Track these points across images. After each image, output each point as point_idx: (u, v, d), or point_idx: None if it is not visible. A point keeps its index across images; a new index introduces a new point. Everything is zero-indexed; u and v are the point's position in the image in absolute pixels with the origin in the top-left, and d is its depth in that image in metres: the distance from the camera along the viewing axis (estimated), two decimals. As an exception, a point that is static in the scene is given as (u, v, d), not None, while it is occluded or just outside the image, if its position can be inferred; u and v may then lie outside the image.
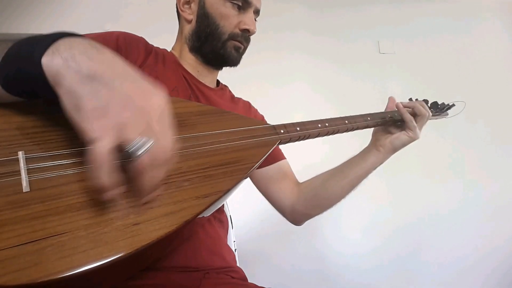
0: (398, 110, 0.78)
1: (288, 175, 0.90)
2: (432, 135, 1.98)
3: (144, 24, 1.45)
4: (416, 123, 0.77)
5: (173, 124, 0.38)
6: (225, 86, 0.93)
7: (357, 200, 1.89)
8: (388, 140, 0.79)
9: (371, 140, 0.83)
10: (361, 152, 0.83)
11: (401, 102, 0.80)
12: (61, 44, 0.35)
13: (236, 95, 0.95)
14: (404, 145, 0.78)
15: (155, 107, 0.36)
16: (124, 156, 0.34)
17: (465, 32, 2.23)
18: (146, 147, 0.33)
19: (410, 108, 0.78)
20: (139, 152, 0.33)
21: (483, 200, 2.03)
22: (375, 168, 0.81)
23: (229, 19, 0.76)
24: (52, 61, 0.34)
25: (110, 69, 0.35)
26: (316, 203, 0.85)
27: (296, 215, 0.88)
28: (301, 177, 0.91)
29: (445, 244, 1.97)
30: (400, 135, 0.77)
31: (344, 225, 1.93)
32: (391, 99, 0.85)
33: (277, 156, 0.90)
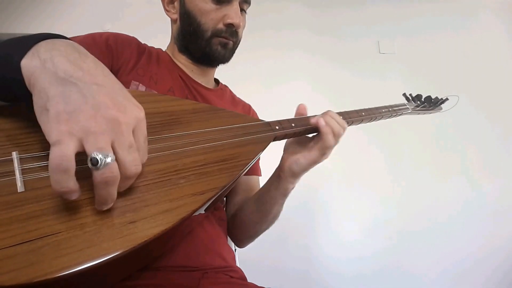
0: (316, 125, 0.62)
1: (249, 192, 0.84)
2: (433, 135, 1.98)
3: (144, 24, 1.46)
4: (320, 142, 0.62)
5: (160, 126, 0.38)
6: (226, 86, 0.92)
7: (356, 200, 1.89)
8: (287, 163, 0.65)
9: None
10: (272, 175, 0.71)
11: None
12: (42, 46, 0.34)
13: (236, 94, 0.94)
14: (304, 169, 0.64)
15: (129, 120, 0.34)
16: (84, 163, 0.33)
17: (465, 31, 2.23)
18: (106, 160, 0.32)
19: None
20: (98, 165, 0.32)
21: (485, 200, 2.01)
22: (283, 195, 0.68)
23: (209, 14, 0.73)
24: (30, 63, 0.33)
25: (88, 75, 0.33)
26: (236, 224, 0.80)
27: (229, 232, 0.82)
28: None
29: (446, 244, 1.95)
30: (298, 158, 0.63)
31: (343, 227, 1.92)
32: (300, 106, 0.71)
33: (251, 171, 0.86)
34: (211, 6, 0.73)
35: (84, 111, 0.32)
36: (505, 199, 2.02)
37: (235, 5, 0.74)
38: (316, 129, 0.64)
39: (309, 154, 0.63)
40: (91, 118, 0.32)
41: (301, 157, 0.63)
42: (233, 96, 0.92)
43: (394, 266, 1.90)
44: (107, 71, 0.36)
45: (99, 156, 0.32)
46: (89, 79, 0.33)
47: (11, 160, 0.37)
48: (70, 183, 0.32)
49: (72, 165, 0.31)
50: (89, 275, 0.35)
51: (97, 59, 0.36)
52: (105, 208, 0.37)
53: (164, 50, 0.84)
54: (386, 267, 1.90)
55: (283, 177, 0.66)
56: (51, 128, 0.31)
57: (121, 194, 0.39)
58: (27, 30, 1.73)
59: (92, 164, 0.32)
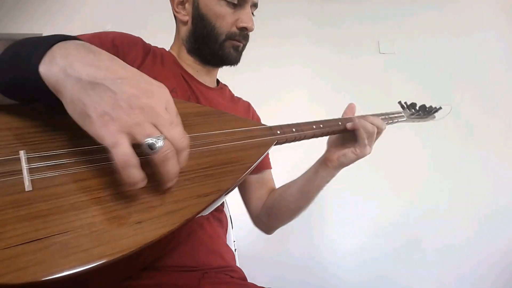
0: (354, 126, 0.71)
1: (267, 184, 0.90)
2: (433, 134, 1.99)
3: (144, 24, 1.46)
4: (366, 140, 0.71)
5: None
6: (225, 85, 0.92)
7: (356, 200, 1.90)
8: (336, 156, 0.73)
9: (325, 151, 0.77)
10: (314, 164, 0.78)
11: (357, 116, 0.74)
12: (57, 51, 0.35)
13: (236, 94, 0.94)
14: (351, 162, 0.73)
15: (159, 101, 0.37)
16: (142, 153, 0.35)
17: (465, 32, 2.23)
18: (159, 142, 0.35)
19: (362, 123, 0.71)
20: (154, 148, 0.35)
21: (484, 199, 2.03)
22: (327, 182, 0.76)
23: (225, 18, 0.74)
24: (50, 71, 0.34)
25: (109, 72, 0.35)
26: (273, 214, 0.85)
27: (259, 224, 0.90)
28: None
29: (445, 243, 1.97)
30: (347, 153, 0.72)
31: (344, 225, 1.93)
32: (350, 106, 0.78)
33: (263, 166, 0.90)
34: (226, 10, 0.74)
35: (119, 108, 0.34)
36: (503, 200, 2.04)
37: (248, 9, 0.76)
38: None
39: (355, 149, 0.71)
40: (129, 112, 0.34)
41: (349, 151, 0.72)
42: (231, 95, 0.93)
43: (392, 269, 1.91)
44: (122, 62, 0.38)
45: (152, 141, 0.35)
46: (111, 76, 0.35)
47: (19, 159, 0.37)
48: (139, 175, 0.35)
49: (135, 159, 0.35)
50: (95, 274, 0.36)
51: (109, 54, 0.38)
52: (171, 185, 0.40)
53: (167, 50, 0.84)
54: (386, 273, 1.91)
55: (331, 167, 0.74)
56: (101, 132, 0.34)
57: (127, 195, 0.39)
58: (28, 31, 1.73)
59: (151, 149, 0.35)
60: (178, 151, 0.38)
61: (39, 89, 0.35)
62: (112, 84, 0.34)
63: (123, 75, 0.36)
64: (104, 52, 0.37)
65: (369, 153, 0.72)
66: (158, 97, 0.37)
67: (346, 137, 0.74)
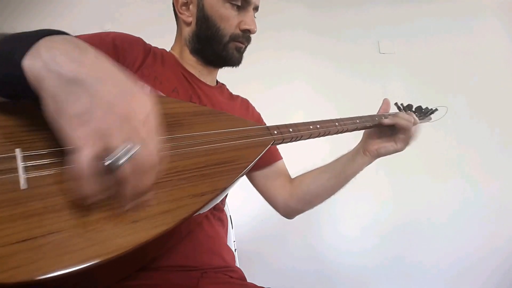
0: (396, 120, 0.77)
1: (282, 173, 0.93)
2: (434, 134, 1.98)
3: (144, 24, 1.46)
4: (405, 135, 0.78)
5: (162, 126, 0.37)
6: (223, 84, 0.94)
7: (356, 199, 1.89)
8: (375, 147, 0.80)
9: (361, 140, 0.84)
10: (350, 152, 0.84)
11: (396, 115, 0.80)
12: (42, 45, 0.34)
13: (235, 94, 0.95)
14: (389, 154, 0.80)
15: (139, 111, 0.34)
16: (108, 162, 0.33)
17: (465, 31, 2.23)
18: (129, 155, 0.32)
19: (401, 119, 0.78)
20: (121, 161, 0.32)
21: (484, 199, 2.02)
22: (362, 169, 0.82)
23: (229, 20, 0.76)
24: (33, 64, 0.33)
25: (92, 71, 0.33)
26: (307, 199, 0.89)
27: (289, 210, 0.92)
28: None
29: (445, 244, 1.96)
30: (387, 146, 0.79)
31: (343, 225, 1.93)
32: (385, 101, 0.86)
33: (274, 157, 0.93)
34: (230, 12, 0.76)
35: (95, 112, 0.32)
36: (503, 200, 2.03)
37: (251, 12, 0.79)
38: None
39: (395, 144, 0.78)
40: (103, 118, 0.32)
41: (390, 145, 0.79)
42: (230, 93, 0.94)
43: (392, 270, 1.91)
44: (109, 62, 0.36)
45: (125, 148, 0.32)
46: (93, 74, 0.33)
47: (14, 157, 0.37)
48: (91, 188, 0.33)
49: (91, 171, 0.32)
50: (90, 274, 0.36)
51: (98, 51, 0.36)
52: (128, 207, 0.37)
53: (168, 50, 0.85)
54: (383, 271, 1.90)
55: (369, 156, 0.80)
56: (70, 133, 0.32)
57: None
58: (26, 30, 1.73)
59: (116, 161, 0.32)
60: (143, 170, 0.34)
61: (20, 84, 0.34)
62: (92, 85, 0.33)
63: (106, 76, 0.34)
64: (91, 49, 0.36)
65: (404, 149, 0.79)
66: (138, 105, 0.35)
67: (382, 130, 0.81)
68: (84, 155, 0.31)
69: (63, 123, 0.32)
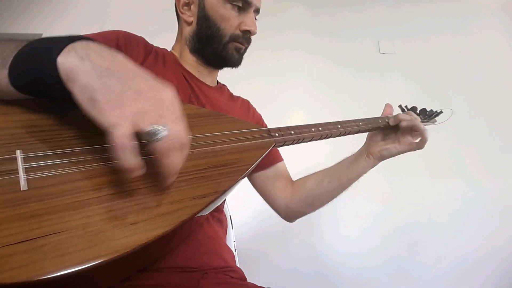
0: (401, 122, 0.77)
1: (283, 175, 0.93)
2: (434, 134, 1.98)
3: (144, 24, 1.45)
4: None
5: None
6: (224, 85, 0.94)
7: (356, 200, 1.89)
8: (378, 149, 0.80)
9: (365, 143, 0.84)
10: (353, 155, 0.84)
11: (399, 114, 0.80)
12: (78, 44, 0.37)
13: (236, 94, 0.95)
14: (392, 156, 0.80)
15: (166, 98, 0.38)
16: (143, 153, 0.35)
17: (465, 31, 2.23)
18: (162, 133, 0.35)
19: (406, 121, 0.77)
20: (159, 134, 0.35)
21: (485, 200, 2.02)
22: (366, 172, 0.82)
23: (229, 21, 0.76)
24: (67, 59, 0.35)
25: (122, 67, 0.37)
26: (309, 202, 0.88)
27: (290, 213, 0.92)
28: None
29: (445, 244, 1.96)
30: (389, 147, 0.79)
31: (343, 225, 1.93)
32: (388, 105, 0.85)
33: (275, 159, 0.92)
34: (231, 13, 0.76)
35: (128, 96, 0.36)
36: (504, 200, 2.03)
37: (251, 13, 0.79)
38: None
39: (399, 145, 0.78)
40: (137, 101, 0.36)
41: (393, 147, 0.78)
42: (230, 93, 0.94)
43: (392, 270, 1.91)
44: (135, 64, 0.40)
45: (156, 129, 0.35)
46: (123, 70, 0.37)
47: (15, 159, 0.37)
48: (136, 161, 0.35)
49: (133, 143, 0.35)
50: (90, 275, 0.36)
51: (126, 56, 0.40)
52: (170, 182, 0.40)
53: (169, 50, 0.85)
54: (383, 271, 1.90)
55: (372, 159, 0.80)
56: (105, 115, 0.34)
57: (123, 196, 0.39)
58: (26, 30, 1.74)
59: (155, 135, 0.35)
60: (181, 146, 0.38)
61: (50, 79, 0.36)
62: (124, 75, 0.36)
63: (133, 71, 0.38)
64: (120, 53, 0.39)
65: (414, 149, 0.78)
66: (166, 93, 0.39)
67: (386, 133, 0.80)
68: (122, 131, 0.34)
69: (98, 109, 0.35)
